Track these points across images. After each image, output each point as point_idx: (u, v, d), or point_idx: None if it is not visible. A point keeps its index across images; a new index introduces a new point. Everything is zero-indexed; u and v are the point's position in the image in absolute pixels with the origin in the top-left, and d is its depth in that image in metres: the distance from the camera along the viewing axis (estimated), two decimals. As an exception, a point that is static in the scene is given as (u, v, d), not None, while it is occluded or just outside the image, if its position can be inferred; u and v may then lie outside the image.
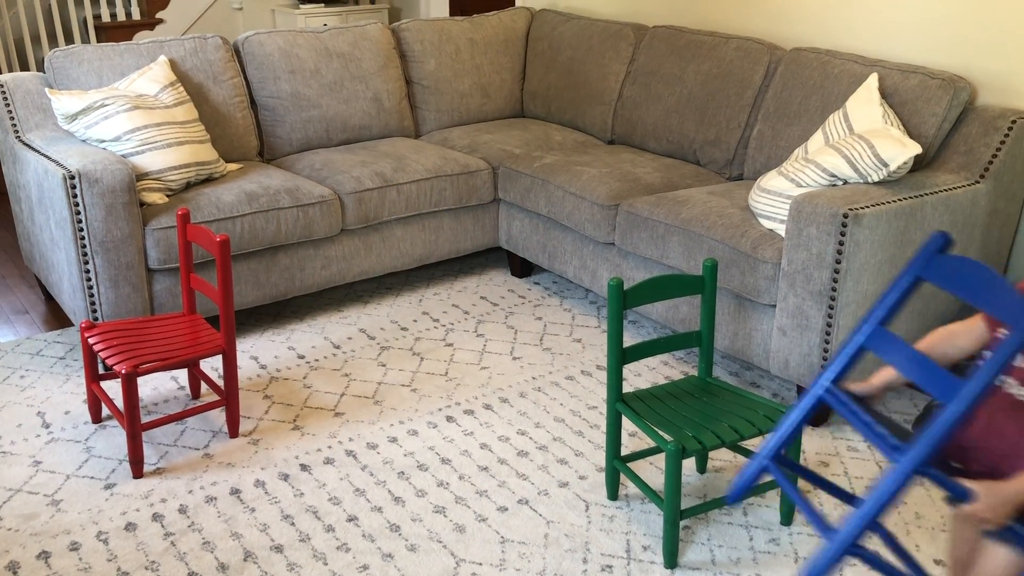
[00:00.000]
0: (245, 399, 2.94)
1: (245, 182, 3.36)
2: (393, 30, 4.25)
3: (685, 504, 2.35)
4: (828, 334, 2.66)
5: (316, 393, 3.01)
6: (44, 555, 2.25)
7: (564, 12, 4.51)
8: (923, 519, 2.43)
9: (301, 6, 6.13)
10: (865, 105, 3.00)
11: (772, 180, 2.98)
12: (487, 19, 4.50)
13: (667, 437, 2.19)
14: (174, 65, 3.53)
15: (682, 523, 2.35)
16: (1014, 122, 2.92)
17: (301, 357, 3.25)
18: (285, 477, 2.57)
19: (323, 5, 6.18)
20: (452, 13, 6.09)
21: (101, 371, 2.81)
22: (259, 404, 2.94)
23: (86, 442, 2.72)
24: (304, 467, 2.61)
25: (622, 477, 2.53)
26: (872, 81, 3.07)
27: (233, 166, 3.56)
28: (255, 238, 3.25)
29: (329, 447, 2.71)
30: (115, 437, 2.74)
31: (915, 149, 2.76)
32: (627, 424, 2.79)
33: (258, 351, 3.28)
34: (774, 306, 2.82)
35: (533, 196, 3.64)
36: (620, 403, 2.35)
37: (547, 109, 4.38)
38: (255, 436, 2.76)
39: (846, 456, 2.69)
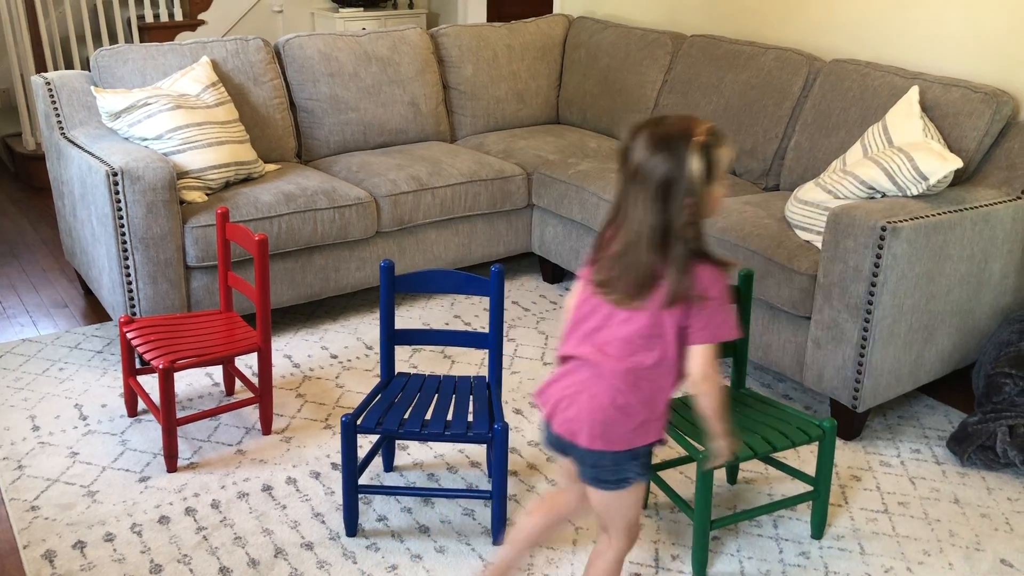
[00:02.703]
0: (278, 397, 2.97)
1: (283, 183, 3.40)
2: (431, 35, 4.27)
3: (715, 514, 2.34)
4: (863, 348, 2.64)
5: (348, 393, 3.03)
6: (80, 545, 2.29)
7: (602, 20, 4.51)
8: (956, 537, 2.40)
9: (340, 10, 6.19)
10: (905, 118, 2.98)
11: (809, 191, 2.96)
12: (525, 26, 4.51)
13: (698, 447, 2.19)
14: (216, 66, 3.58)
15: (712, 534, 2.34)
16: (1058, 138, 2.89)
17: (334, 357, 3.27)
18: (316, 475, 2.59)
19: (362, 9, 6.23)
20: (490, 19, 6.12)
21: (138, 366, 2.85)
22: (292, 402, 2.96)
23: (122, 435, 2.76)
24: (335, 466, 2.63)
25: (652, 486, 2.52)
26: (913, 94, 3.04)
27: (271, 166, 3.60)
28: (292, 238, 3.28)
29: (360, 447, 2.72)
30: (150, 431, 2.78)
31: (956, 163, 2.74)
32: (657, 433, 2.78)
33: (292, 350, 3.31)
34: (809, 318, 2.80)
35: (567, 202, 3.64)
36: (652, 411, 2.34)
37: (583, 116, 4.39)
38: (288, 434, 2.79)
39: (878, 471, 2.67)
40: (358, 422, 2.24)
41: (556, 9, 5.07)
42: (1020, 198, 2.88)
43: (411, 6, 6.56)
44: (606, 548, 1.88)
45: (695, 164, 1.58)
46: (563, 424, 1.74)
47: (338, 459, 2.67)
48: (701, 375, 1.70)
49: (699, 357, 1.68)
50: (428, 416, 2.30)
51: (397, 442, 2.71)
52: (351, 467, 2.27)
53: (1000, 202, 2.82)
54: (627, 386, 1.69)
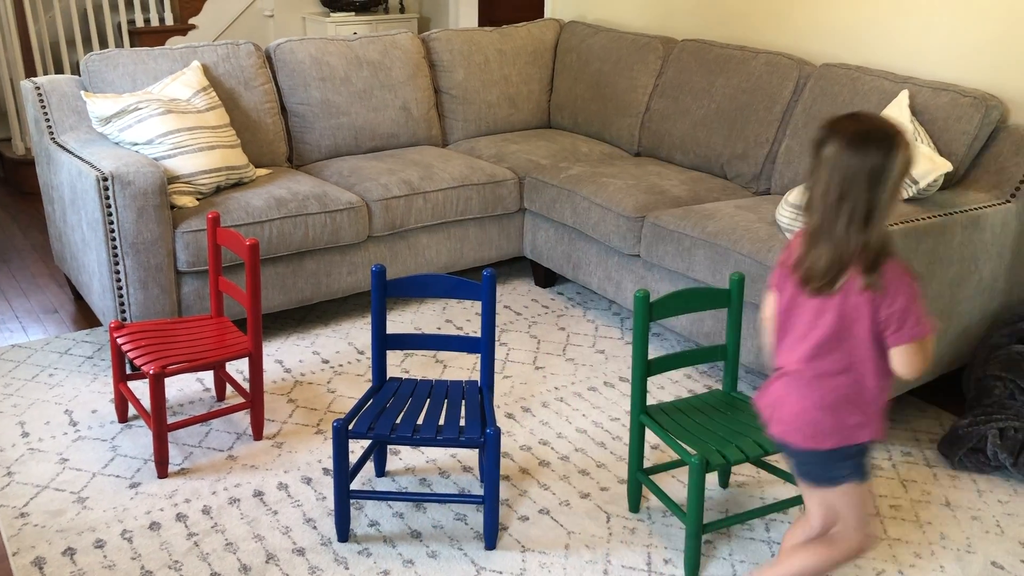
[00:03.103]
0: (270, 402, 2.96)
1: (274, 187, 3.39)
2: (423, 39, 4.28)
3: (707, 518, 2.34)
4: (854, 351, 2.65)
5: (340, 398, 3.03)
6: (69, 552, 2.27)
7: (593, 24, 4.52)
8: (948, 539, 2.40)
9: (332, 14, 6.19)
10: (895, 122, 2.99)
11: (800, 195, 2.97)
12: (516, 30, 4.52)
13: (691, 451, 2.19)
14: (207, 70, 3.58)
15: (704, 537, 2.34)
16: (1046, 142, 2.90)
17: (325, 362, 3.27)
18: (308, 481, 2.59)
19: (353, 14, 6.23)
20: (481, 23, 6.12)
21: (128, 371, 2.84)
22: (283, 407, 2.96)
23: (112, 441, 2.75)
24: (327, 471, 2.63)
25: (644, 490, 2.52)
26: (903, 98, 3.06)
27: (262, 171, 3.60)
28: (283, 243, 3.28)
29: (352, 452, 2.72)
30: (141, 437, 2.77)
31: (945, 167, 2.75)
32: (650, 437, 2.78)
33: (283, 355, 3.31)
34: (800, 322, 2.81)
35: (559, 206, 3.65)
36: (644, 415, 2.35)
37: (574, 120, 4.39)
38: (279, 439, 2.78)
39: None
40: (350, 427, 2.24)
41: (547, 13, 5.08)
42: (1009, 201, 2.89)
43: (402, 10, 6.56)
44: (821, 543, 1.90)
45: (901, 157, 1.62)
46: (776, 427, 1.84)
47: (330, 464, 2.66)
48: (908, 375, 1.73)
49: (901, 358, 1.71)
50: (420, 421, 2.30)
51: (389, 447, 2.71)
52: (343, 472, 2.26)
53: (989, 205, 2.83)
54: (826, 390, 1.75)
